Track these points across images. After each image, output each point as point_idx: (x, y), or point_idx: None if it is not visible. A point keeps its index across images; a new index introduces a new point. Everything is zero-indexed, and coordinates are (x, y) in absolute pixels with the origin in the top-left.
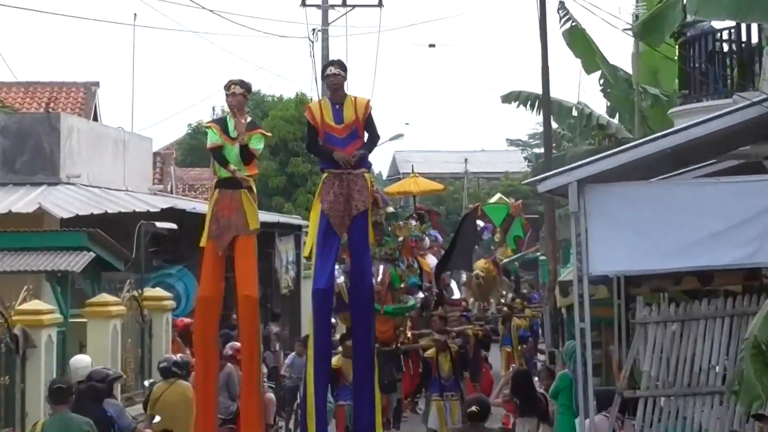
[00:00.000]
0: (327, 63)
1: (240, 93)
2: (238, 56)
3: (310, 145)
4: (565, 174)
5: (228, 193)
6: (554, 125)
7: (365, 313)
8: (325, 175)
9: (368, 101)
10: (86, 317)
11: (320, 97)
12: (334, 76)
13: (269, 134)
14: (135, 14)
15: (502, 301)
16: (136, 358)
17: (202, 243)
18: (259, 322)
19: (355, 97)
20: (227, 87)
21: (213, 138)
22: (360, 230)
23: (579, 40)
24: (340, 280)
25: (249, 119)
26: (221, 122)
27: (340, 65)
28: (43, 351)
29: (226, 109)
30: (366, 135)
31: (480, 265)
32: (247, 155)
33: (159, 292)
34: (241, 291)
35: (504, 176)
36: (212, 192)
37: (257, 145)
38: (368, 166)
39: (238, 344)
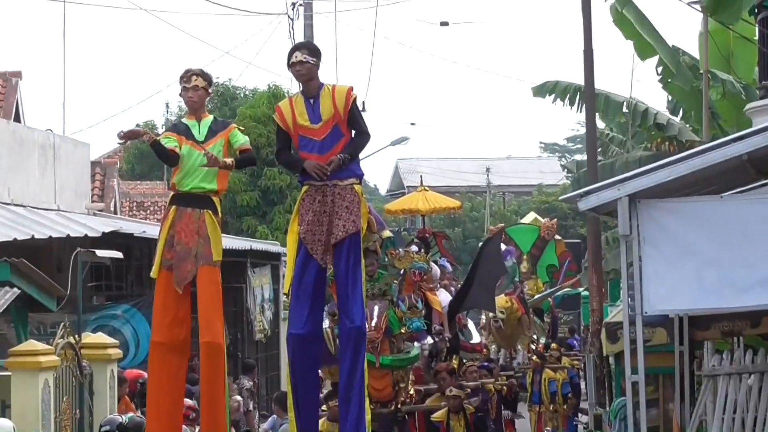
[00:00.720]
0: (291, 49)
1: (202, 87)
2: (199, 39)
3: (279, 153)
4: (614, 187)
5: (187, 213)
6: (600, 125)
7: (355, 366)
8: (304, 188)
9: (350, 89)
10: (10, 369)
11: (290, 94)
12: (300, 64)
13: (242, 128)
14: None
15: (533, 347)
16: (74, 421)
17: (153, 274)
18: (225, 376)
19: (333, 86)
20: (186, 78)
21: (171, 143)
22: (348, 258)
23: (630, 17)
24: (325, 324)
25: (212, 117)
26: (179, 127)
27: (310, 49)
28: None
29: (183, 106)
30: (352, 133)
31: (500, 303)
32: (249, 162)
33: (101, 337)
34: (203, 336)
35: (536, 190)
36: (167, 209)
37: (242, 140)
38: (358, 175)
39: (189, 401)
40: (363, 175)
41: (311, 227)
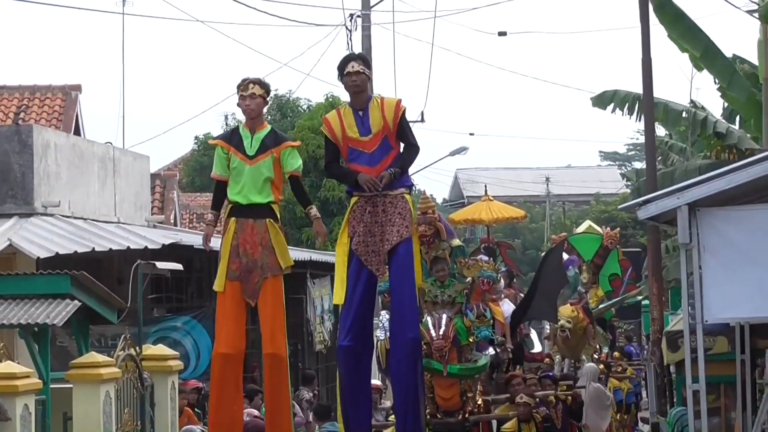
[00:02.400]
0: (344, 59)
1: (260, 95)
2: (256, 50)
3: (329, 166)
4: (673, 196)
5: (249, 224)
6: (660, 133)
7: (410, 377)
8: (353, 200)
9: (399, 101)
10: (71, 381)
11: (340, 105)
12: (357, 74)
13: (298, 143)
14: None
15: (595, 357)
16: None
17: (217, 287)
18: (289, 388)
19: (383, 98)
20: (243, 87)
21: (218, 167)
22: (402, 267)
23: (682, 30)
24: (381, 336)
25: (269, 129)
26: (233, 136)
27: (363, 60)
28: (18, 424)
29: (240, 117)
30: (401, 145)
31: (566, 312)
32: (299, 190)
33: (162, 349)
34: (267, 348)
35: (594, 199)
36: (226, 221)
37: (294, 164)
38: (408, 184)
39: (254, 411)
40: (412, 185)
41: (364, 238)
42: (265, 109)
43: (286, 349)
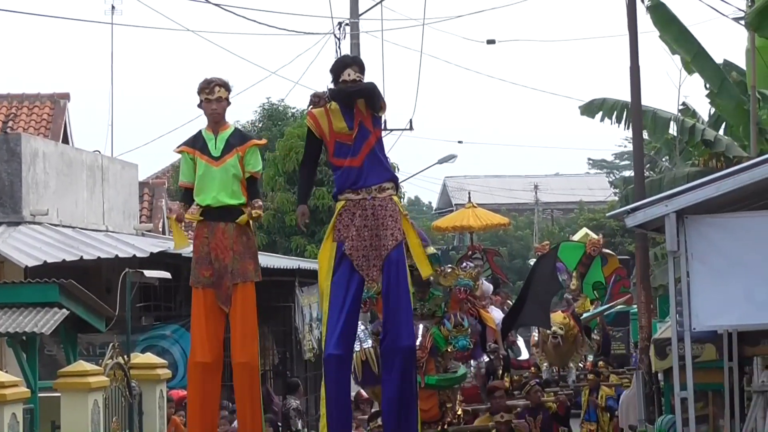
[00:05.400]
0: (341, 62)
1: (225, 98)
2: (245, 59)
3: (302, 165)
4: (661, 203)
5: (220, 227)
6: (649, 141)
7: (404, 387)
8: (340, 204)
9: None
10: (59, 390)
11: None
12: (354, 83)
13: (263, 141)
14: (113, 6)
15: (581, 365)
16: None
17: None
18: (260, 399)
19: None
20: (208, 90)
21: (185, 174)
22: (396, 272)
23: (673, 33)
24: (367, 344)
25: (232, 128)
26: (196, 141)
27: (359, 65)
28: None
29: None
30: (378, 128)
31: (558, 319)
32: (253, 190)
33: (150, 358)
34: (239, 357)
35: (578, 207)
36: (197, 226)
37: (256, 165)
38: (392, 179)
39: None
40: (396, 178)
41: (356, 243)
42: (228, 111)
43: (257, 357)
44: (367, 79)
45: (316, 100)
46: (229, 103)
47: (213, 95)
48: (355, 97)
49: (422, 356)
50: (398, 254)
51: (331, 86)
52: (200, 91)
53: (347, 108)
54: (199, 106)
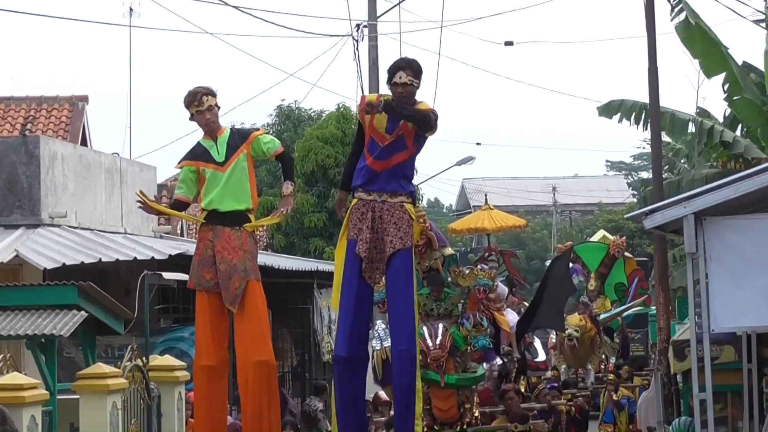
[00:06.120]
0: (395, 64)
1: (215, 104)
2: (264, 61)
3: (350, 158)
4: (680, 205)
5: (226, 231)
6: (667, 139)
7: (404, 390)
8: (353, 202)
9: (428, 107)
10: (78, 392)
11: (381, 94)
12: (402, 86)
13: (261, 131)
14: (131, 9)
15: (602, 367)
16: None
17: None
18: (278, 398)
19: (419, 103)
20: (197, 102)
21: (183, 189)
22: (398, 277)
23: (698, 36)
24: (388, 343)
25: (228, 131)
26: (197, 152)
27: (414, 69)
28: None
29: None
30: (416, 148)
31: (574, 321)
32: (287, 166)
33: (169, 360)
34: (256, 355)
35: (597, 208)
36: (200, 229)
37: (272, 146)
38: (409, 191)
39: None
40: (414, 192)
41: (363, 243)
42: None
43: (273, 355)
44: (381, 81)
45: (369, 109)
46: (219, 108)
47: (203, 106)
48: (404, 120)
49: (442, 356)
50: (400, 261)
51: (388, 95)
52: (188, 105)
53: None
54: (191, 119)
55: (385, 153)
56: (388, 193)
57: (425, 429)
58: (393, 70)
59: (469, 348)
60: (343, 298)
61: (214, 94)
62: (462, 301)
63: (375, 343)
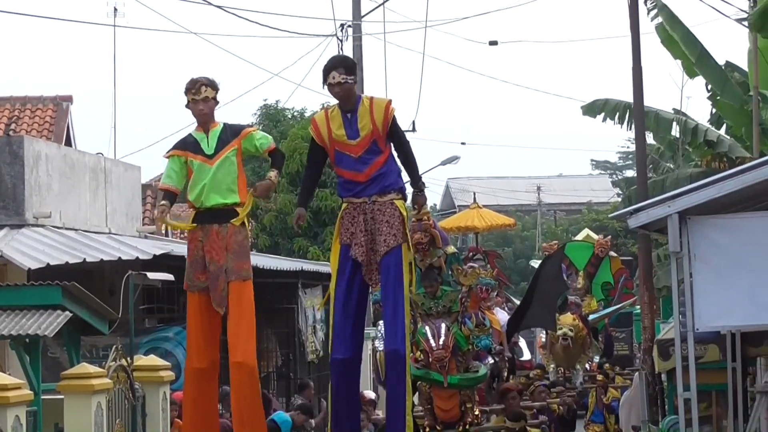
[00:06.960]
0: (325, 67)
1: (212, 97)
2: (248, 61)
3: (306, 172)
4: (664, 204)
5: (214, 230)
6: (652, 142)
7: (394, 391)
8: (343, 206)
9: (388, 102)
10: (63, 393)
11: (326, 106)
12: (339, 85)
13: (254, 127)
14: (115, 9)
15: (587, 367)
16: None
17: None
18: (260, 399)
19: (371, 99)
20: (195, 90)
21: (169, 177)
22: (390, 277)
23: (677, 37)
24: (380, 347)
25: (221, 125)
26: (187, 143)
27: (346, 67)
28: None
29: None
30: (391, 146)
31: (568, 321)
32: (277, 161)
33: (154, 360)
34: (235, 356)
35: (585, 207)
36: (190, 230)
37: (265, 142)
38: (399, 187)
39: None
40: (404, 187)
41: (358, 246)
42: (216, 110)
43: (254, 356)
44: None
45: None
46: (216, 102)
47: (199, 95)
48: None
49: (445, 356)
50: (390, 260)
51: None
52: (187, 92)
53: (349, 114)
54: (187, 106)
55: (361, 164)
56: (377, 193)
57: (427, 429)
58: (326, 72)
59: (470, 348)
60: (337, 302)
61: (214, 87)
62: (462, 298)
63: (378, 344)
